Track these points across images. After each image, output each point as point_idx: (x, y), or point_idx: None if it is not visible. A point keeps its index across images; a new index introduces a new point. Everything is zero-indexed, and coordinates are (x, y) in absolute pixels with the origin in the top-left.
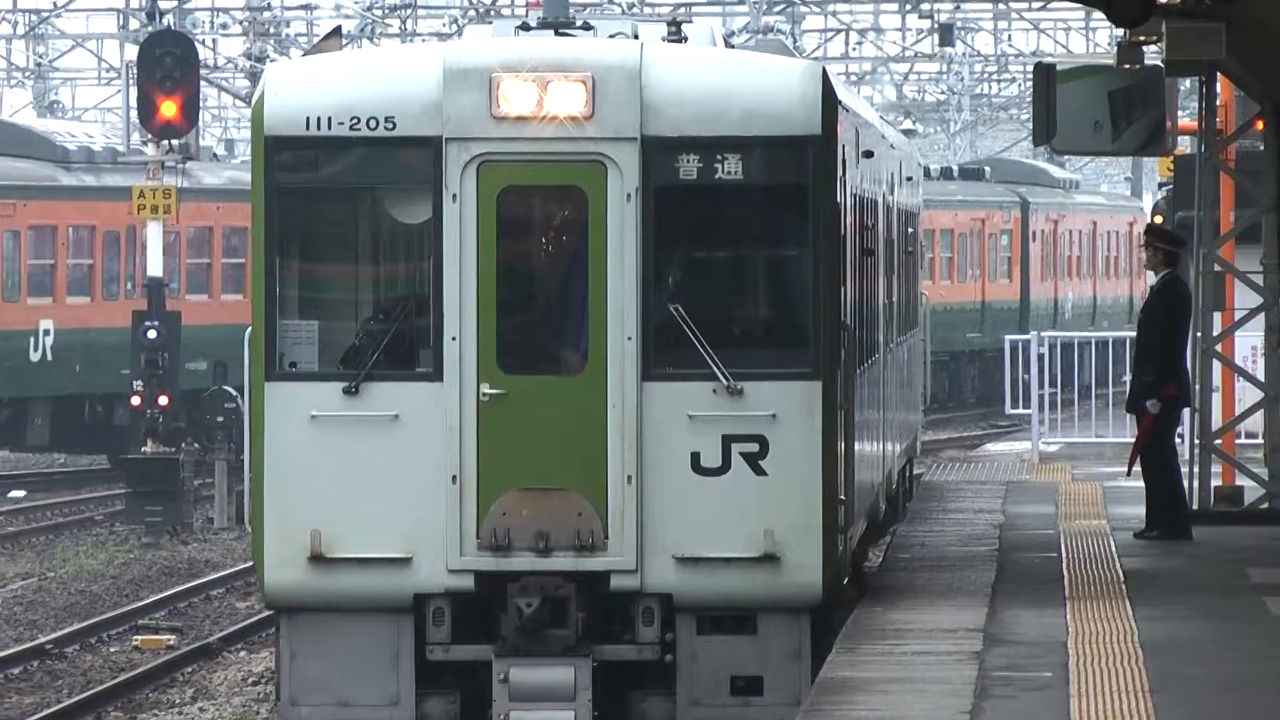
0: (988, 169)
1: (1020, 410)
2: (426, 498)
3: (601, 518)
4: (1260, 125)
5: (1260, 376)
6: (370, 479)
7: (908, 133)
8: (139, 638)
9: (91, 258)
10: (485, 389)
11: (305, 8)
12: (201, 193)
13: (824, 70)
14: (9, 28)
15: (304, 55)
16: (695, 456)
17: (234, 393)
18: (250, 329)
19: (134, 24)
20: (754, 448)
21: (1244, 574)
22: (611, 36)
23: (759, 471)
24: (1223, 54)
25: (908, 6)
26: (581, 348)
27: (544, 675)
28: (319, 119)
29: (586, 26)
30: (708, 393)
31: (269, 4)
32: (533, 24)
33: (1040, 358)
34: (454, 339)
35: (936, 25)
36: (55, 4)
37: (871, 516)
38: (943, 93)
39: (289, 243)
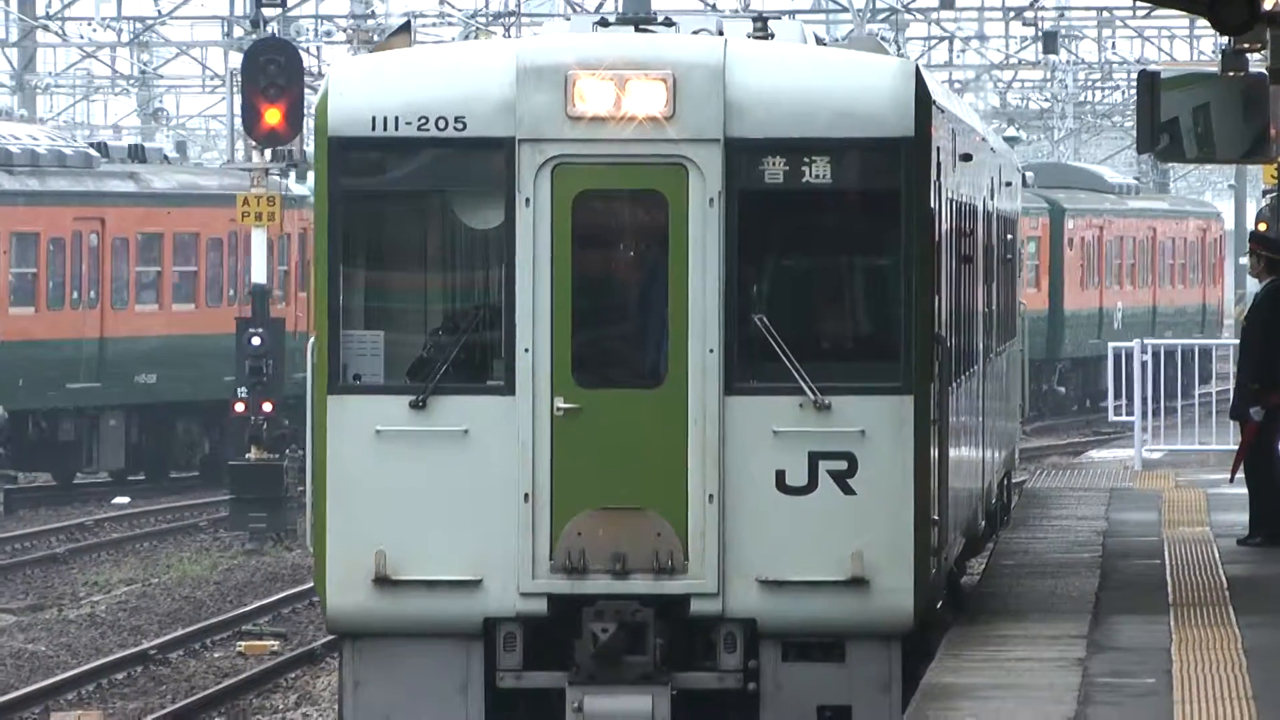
0: (1029, 175)
1: (1123, 417)
2: (497, 517)
3: (681, 539)
4: None
5: None
6: (438, 497)
7: (1010, 139)
8: (243, 643)
9: (35, 266)
10: (559, 403)
11: (409, 15)
12: (151, 197)
13: (917, 68)
14: (114, 35)
15: (370, 51)
16: (780, 474)
17: None
18: (313, 340)
19: (238, 32)
20: (842, 465)
21: None
22: (695, 33)
23: (847, 490)
24: None
25: (1011, 14)
26: (661, 360)
27: (620, 704)
28: (385, 119)
29: (668, 23)
30: (794, 407)
31: (373, 11)
32: (611, 19)
33: (1144, 365)
34: (527, 350)
35: (1040, 33)
36: (159, 12)
37: (969, 533)
38: (1046, 100)
39: (353, 249)
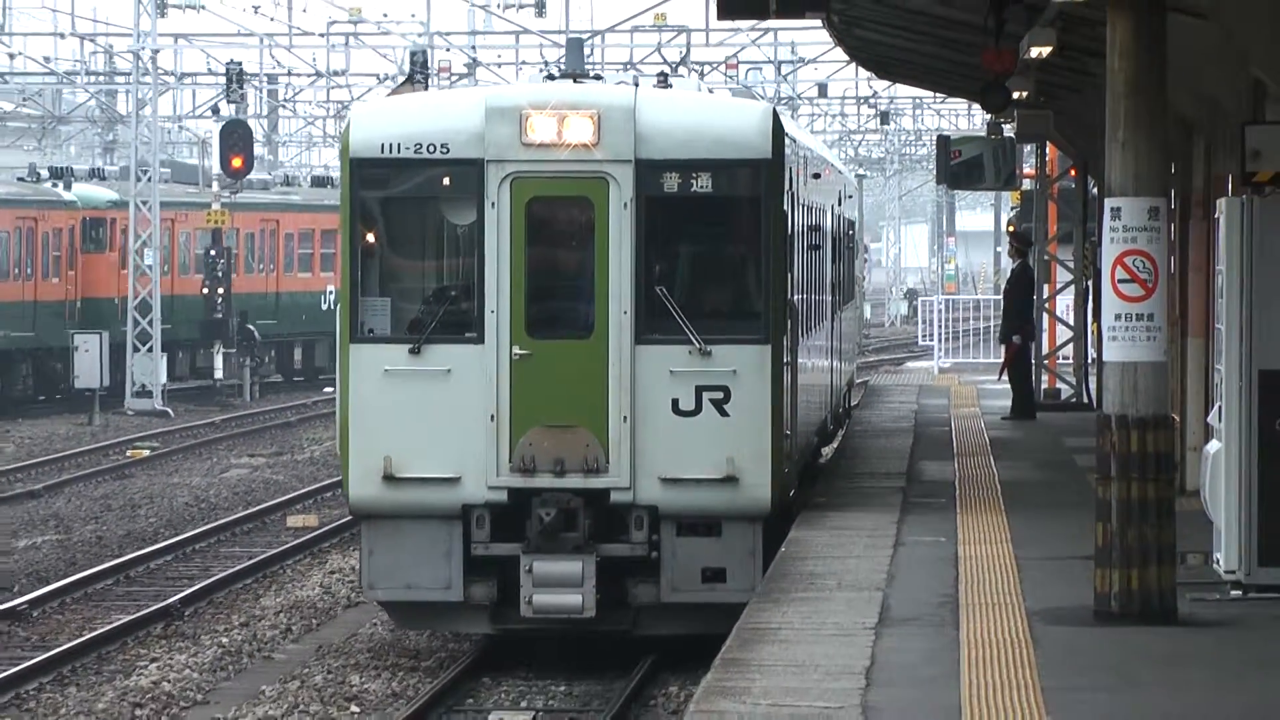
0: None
1: (928, 342)
2: (471, 432)
3: (604, 448)
4: (1073, 173)
5: (1071, 323)
6: (429, 417)
7: (859, 176)
8: None
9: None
10: (516, 350)
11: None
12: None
13: (774, 110)
14: (324, 111)
15: (386, 97)
16: (675, 402)
17: None
18: (339, 304)
19: None
20: (720, 395)
21: (1063, 442)
22: (617, 84)
23: (723, 413)
24: (1050, 130)
25: (861, 100)
26: (589, 319)
27: (559, 567)
28: (391, 145)
29: (597, 76)
30: (685, 353)
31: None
32: (556, 74)
33: (940, 311)
34: (493, 312)
35: (878, 111)
36: (352, 96)
37: (821, 436)
38: (882, 153)
39: (368, 239)
